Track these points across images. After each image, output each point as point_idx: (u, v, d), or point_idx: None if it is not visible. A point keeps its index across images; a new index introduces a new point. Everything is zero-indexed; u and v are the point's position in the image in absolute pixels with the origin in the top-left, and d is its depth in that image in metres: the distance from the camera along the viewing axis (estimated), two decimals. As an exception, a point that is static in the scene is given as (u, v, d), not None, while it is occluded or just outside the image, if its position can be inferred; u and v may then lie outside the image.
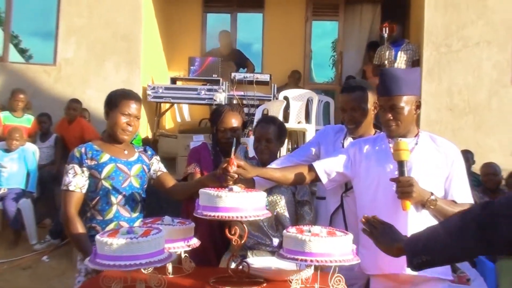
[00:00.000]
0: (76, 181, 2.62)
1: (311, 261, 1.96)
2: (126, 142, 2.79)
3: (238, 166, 2.33)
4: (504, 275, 4.04)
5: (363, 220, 2.05)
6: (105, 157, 2.69)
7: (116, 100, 2.74)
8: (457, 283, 3.60)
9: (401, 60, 6.57)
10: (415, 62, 6.65)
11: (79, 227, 2.58)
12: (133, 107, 2.73)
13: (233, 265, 2.29)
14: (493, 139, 6.61)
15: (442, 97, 6.56)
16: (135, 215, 2.73)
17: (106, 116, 2.77)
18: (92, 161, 2.66)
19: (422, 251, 1.73)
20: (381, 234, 1.98)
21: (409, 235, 2.29)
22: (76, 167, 2.63)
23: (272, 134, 2.97)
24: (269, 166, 2.74)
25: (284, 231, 2.11)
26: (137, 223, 2.68)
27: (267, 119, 3.16)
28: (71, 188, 2.61)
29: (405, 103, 2.38)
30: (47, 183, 6.40)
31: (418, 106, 2.45)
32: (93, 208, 2.68)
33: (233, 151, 2.40)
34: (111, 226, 2.64)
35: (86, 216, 2.69)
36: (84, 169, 2.64)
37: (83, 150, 2.68)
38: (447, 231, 1.68)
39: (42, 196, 6.39)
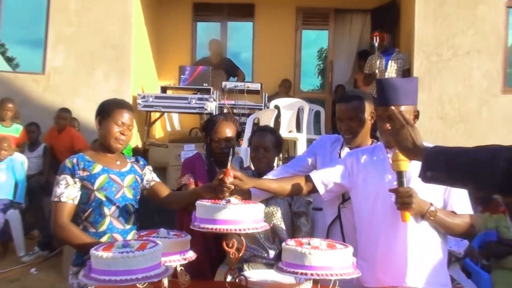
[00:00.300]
0: (68, 192, 2.56)
1: (312, 274, 1.92)
2: (118, 152, 2.75)
3: (235, 177, 2.29)
4: (498, 286, 4.03)
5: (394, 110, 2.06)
6: (98, 167, 2.64)
7: (109, 109, 2.69)
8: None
9: (391, 69, 6.58)
10: (406, 71, 6.66)
11: (75, 229, 2.53)
12: (126, 116, 2.69)
13: (229, 278, 2.25)
14: (483, 148, 6.62)
15: (433, 106, 6.59)
16: (128, 226, 2.67)
17: (99, 126, 2.72)
18: (84, 172, 2.60)
19: (441, 167, 1.69)
20: (403, 131, 1.97)
21: (408, 247, 2.29)
22: (68, 178, 2.58)
23: (270, 143, 2.94)
24: (265, 177, 2.70)
25: (283, 244, 2.07)
26: (130, 235, 2.63)
27: (263, 128, 3.14)
28: (63, 199, 2.55)
29: (403, 113, 2.36)
30: (36, 194, 6.34)
31: (416, 116, 2.42)
32: (86, 220, 2.61)
33: (230, 161, 2.36)
34: (105, 238, 2.58)
35: (79, 228, 2.61)
36: (76, 180, 2.58)
37: (74, 160, 2.62)
38: (475, 157, 1.62)
39: (31, 207, 6.34)
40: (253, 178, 2.56)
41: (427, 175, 1.74)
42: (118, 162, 2.73)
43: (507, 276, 4.14)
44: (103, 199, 2.60)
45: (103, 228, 2.61)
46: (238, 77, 8.07)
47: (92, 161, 2.64)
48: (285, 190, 2.52)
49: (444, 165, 1.69)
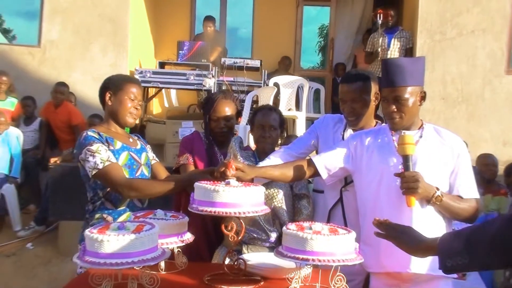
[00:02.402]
0: (109, 154, 2.46)
1: (313, 260, 1.86)
2: (131, 126, 2.69)
3: (237, 169, 2.21)
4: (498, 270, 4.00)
5: (376, 223, 1.93)
6: (118, 144, 2.56)
7: (120, 83, 2.60)
8: (454, 278, 3.55)
9: (394, 48, 6.47)
10: (409, 50, 6.56)
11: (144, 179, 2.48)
12: (137, 91, 2.62)
13: (227, 261, 2.20)
14: (485, 129, 6.58)
15: (435, 86, 6.50)
16: (144, 205, 2.65)
17: (109, 101, 2.60)
18: (109, 146, 2.51)
19: (459, 253, 1.58)
20: (402, 233, 1.85)
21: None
22: (101, 145, 2.46)
23: (276, 122, 2.85)
24: (266, 159, 2.62)
25: (284, 228, 2.01)
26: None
27: (267, 107, 3.04)
28: (112, 160, 2.46)
29: (410, 94, 2.28)
30: (32, 168, 6.30)
31: (423, 97, 2.35)
32: (104, 197, 2.55)
33: (231, 152, 2.28)
34: (124, 217, 2.53)
35: (95, 205, 2.55)
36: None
37: (95, 134, 2.51)
38: (492, 237, 1.51)
39: (26, 182, 6.30)
40: (254, 167, 2.48)
41: (447, 266, 1.62)
42: (130, 140, 2.68)
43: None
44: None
45: (123, 206, 2.57)
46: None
47: (110, 137, 2.55)
48: (288, 176, 2.46)
49: (463, 250, 1.57)
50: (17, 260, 5.25)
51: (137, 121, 7.16)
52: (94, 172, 2.43)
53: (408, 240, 1.82)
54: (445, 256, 1.62)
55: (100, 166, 2.42)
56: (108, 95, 2.60)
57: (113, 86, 2.61)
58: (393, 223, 1.91)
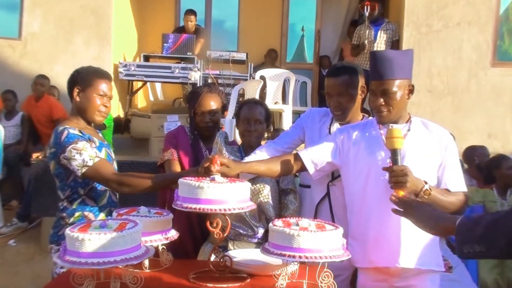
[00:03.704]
0: (95, 151, 2.41)
1: (300, 257, 1.83)
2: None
3: (221, 164, 2.16)
4: (484, 262, 4.02)
5: (394, 198, 1.93)
6: (96, 141, 2.50)
7: (89, 79, 2.51)
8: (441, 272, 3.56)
9: (381, 40, 6.43)
10: (395, 42, 6.53)
11: (133, 175, 2.43)
12: (107, 86, 2.54)
13: (213, 258, 2.16)
14: (470, 122, 6.61)
15: (422, 79, 6.49)
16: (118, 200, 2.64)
17: (77, 96, 2.52)
18: (91, 143, 2.46)
19: (477, 241, 1.55)
20: (419, 211, 1.83)
21: (402, 226, 2.21)
22: (86, 142, 2.41)
23: (261, 115, 2.79)
24: (252, 154, 2.58)
25: (270, 224, 1.97)
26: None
27: (253, 101, 2.99)
28: (101, 155, 2.42)
29: (398, 87, 2.25)
30: (14, 164, 6.19)
31: (411, 91, 2.32)
32: (86, 195, 2.50)
33: (216, 146, 2.23)
34: (104, 213, 2.50)
35: (75, 203, 2.49)
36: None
37: (77, 132, 2.44)
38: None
39: (8, 177, 6.18)
40: (240, 162, 2.43)
41: (464, 252, 1.59)
42: (100, 135, 2.63)
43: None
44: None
45: (103, 202, 2.54)
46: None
47: (88, 134, 2.49)
48: (274, 172, 2.42)
49: (481, 238, 1.54)
50: (0, 257, 5.16)
51: (122, 115, 7.13)
52: (84, 169, 2.38)
53: (425, 218, 1.80)
54: (463, 242, 1.59)
55: (90, 163, 2.37)
56: (76, 91, 2.52)
57: (81, 81, 2.52)
58: (410, 199, 1.91)
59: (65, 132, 2.42)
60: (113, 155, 2.64)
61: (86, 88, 2.50)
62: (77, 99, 2.52)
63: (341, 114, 2.60)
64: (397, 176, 2.10)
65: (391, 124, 2.23)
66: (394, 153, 2.14)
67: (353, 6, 8.74)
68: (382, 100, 2.26)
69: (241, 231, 2.59)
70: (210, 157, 2.18)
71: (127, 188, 2.41)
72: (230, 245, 2.57)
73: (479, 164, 4.89)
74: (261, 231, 2.60)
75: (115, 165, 2.62)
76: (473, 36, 6.61)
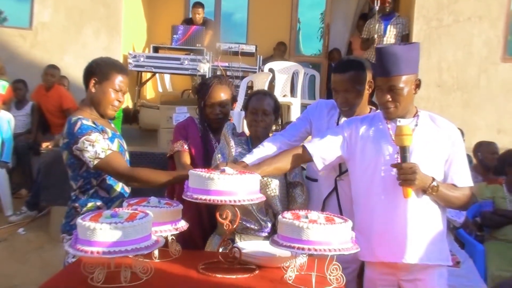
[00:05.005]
0: (108, 143, 2.42)
1: (309, 249, 1.84)
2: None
3: None
4: (492, 257, 4.01)
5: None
6: (109, 132, 2.51)
7: (107, 72, 2.50)
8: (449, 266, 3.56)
9: (390, 34, 6.41)
10: (405, 36, 6.50)
11: (146, 169, 2.44)
12: (124, 82, 2.54)
13: (221, 249, 2.17)
14: (480, 117, 6.58)
15: (431, 73, 6.47)
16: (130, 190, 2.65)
17: (92, 86, 2.52)
18: (104, 134, 2.47)
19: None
20: None
21: (408, 222, 2.21)
22: (99, 134, 2.42)
23: (269, 107, 2.76)
24: (260, 147, 2.54)
25: (279, 216, 1.97)
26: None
27: (261, 92, 2.98)
28: (113, 148, 2.43)
29: (405, 83, 2.23)
30: (23, 153, 6.24)
31: (418, 85, 2.29)
32: (99, 185, 2.51)
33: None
34: (117, 204, 2.51)
35: (88, 193, 2.51)
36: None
37: (90, 123, 2.44)
38: None
39: (18, 166, 6.26)
40: (250, 168, 2.37)
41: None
42: (112, 125, 2.64)
43: (500, 247, 4.13)
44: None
45: (116, 193, 2.55)
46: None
47: (101, 125, 2.50)
48: (282, 170, 2.44)
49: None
50: (9, 245, 5.21)
51: (131, 106, 7.15)
52: (96, 161, 2.39)
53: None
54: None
55: (102, 155, 2.38)
56: (93, 82, 2.52)
57: (99, 73, 2.51)
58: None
59: (79, 123, 2.42)
60: (125, 146, 2.65)
61: (103, 81, 2.50)
62: (93, 90, 2.52)
63: (348, 110, 2.58)
64: (406, 173, 2.10)
65: (399, 119, 2.22)
66: (403, 150, 2.14)
67: (363, 0, 8.69)
68: (388, 96, 2.24)
69: (248, 225, 2.58)
70: (219, 165, 2.22)
71: (137, 183, 2.44)
72: (237, 238, 2.56)
73: (482, 160, 4.89)
74: (268, 225, 2.60)
75: (127, 155, 2.64)
76: (484, 31, 6.57)
